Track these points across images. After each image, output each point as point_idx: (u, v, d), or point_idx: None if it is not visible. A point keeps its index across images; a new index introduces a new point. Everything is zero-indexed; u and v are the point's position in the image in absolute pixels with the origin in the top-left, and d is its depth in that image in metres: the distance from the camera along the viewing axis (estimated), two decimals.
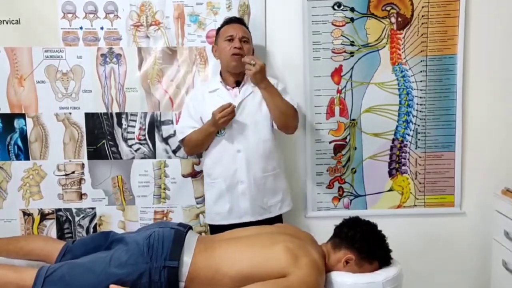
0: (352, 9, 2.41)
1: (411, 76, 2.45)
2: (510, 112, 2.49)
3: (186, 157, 2.47)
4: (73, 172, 2.49)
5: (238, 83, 2.21)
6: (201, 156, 2.43)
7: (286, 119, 2.17)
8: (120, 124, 2.46)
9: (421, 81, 2.46)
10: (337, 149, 2.51)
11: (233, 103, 2.12)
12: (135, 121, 2.46)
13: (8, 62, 2.40)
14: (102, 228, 2.50)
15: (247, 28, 2.25)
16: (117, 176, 2.49)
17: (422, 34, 2.43)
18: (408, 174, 2.53)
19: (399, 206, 2.55)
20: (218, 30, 2.24)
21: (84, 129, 2.45)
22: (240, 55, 2.13)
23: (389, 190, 2.54)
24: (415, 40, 2.43)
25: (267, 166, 2.18)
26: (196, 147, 2.26)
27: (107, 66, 2.43)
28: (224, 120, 2.06)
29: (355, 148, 2.51)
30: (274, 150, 2.22)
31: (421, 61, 2.44)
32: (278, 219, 2.25)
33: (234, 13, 2.39)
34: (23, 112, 2.44)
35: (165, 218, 2.50)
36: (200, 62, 2.43)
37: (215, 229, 2.22)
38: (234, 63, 2.15)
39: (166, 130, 2.46)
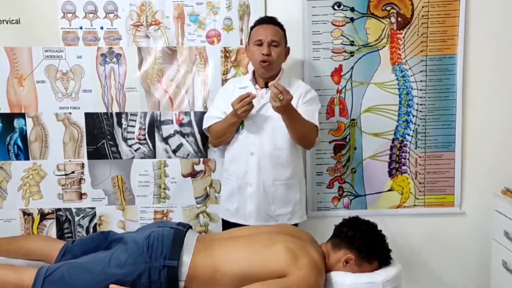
0: (352, 9, 2.41)
1: (411, 76, 2.45)
2: (510, 112, 2.49)
3: (186, 157, 2.47)
4: (73, 172, 2.49)
5: (267, 84, 2.15)
6: (206, 156, 2.44)
7: (304, 140, 2.16)
8: (120, 124, 2.46)
9: (421, 81, 2.46)
10: (337, 149, 2.51)
11: (257, 102, 2.11)
12: (135, 121, 2.46)
13: (8, 62, 2.40)
14: (102, 228, 2.50)
15: (281, 26, 2.16)
16: (117, 176, 2.49)
17: (422, 34, 2.43)
18: (408, 174, 2.53)
19: (399, 206, 2.55)
20: (251, 28, 2.19)
21: (84, 129, 2.45)
22: (268, 62, 2.09)
23: (389, 190, 2.54)
24: (415, 40, 2.43)
25: (279, 174, 2.14)
26: (219, 137, 2.21)
27: (107, 66, 2.43)
28: (243, 110, 2.02)
29: (355, 148, 2.51)
30: (290, 160, 2.16)
31: (421, 61, 2.44)
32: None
33: (234, 13, 2.40)
34: (23, 111, 2.44)
35: (165, 218, 2.50)
36: (200, 62, 2.43)
37: (226, 224, 2.24)
38: (262, 70, 2.12)
39: (166, 129, 2.46)
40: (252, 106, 2.06)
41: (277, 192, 2.16)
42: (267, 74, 2.14)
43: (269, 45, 2.09)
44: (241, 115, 2.06)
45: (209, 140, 2.34)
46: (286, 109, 1.99)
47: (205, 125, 2.28)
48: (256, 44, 2.11)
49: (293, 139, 2.13)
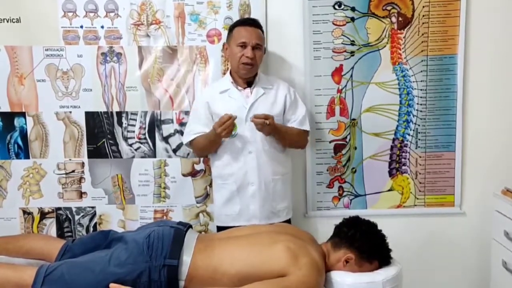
0: (353, 9, 2.41)
1: (412, 75, 2.45)
2: (510, 112, 2.49)
3: (186, 156, 2.47)
4: (73, 171, 2.49)
5: (249, 83, 2.18)
6: (206, 156, 2.44)
7: (295, 146, 2.29)
8: (120, 123, 2.46)
9: (421, 81, 2.46)
10: (337, 148, 2.51)
11: (245, 104, 2.13)
12: (135, 120, 2.46)
13: (9, 61, 2.40)
14: (102, 227, 2.50)
15: (262, 30, 2.18)
16: (117, 175, 2.49)
17: (422, 34, 2.43)
18: (408, 174, 2.53)
19: (399, 206, 2.55)
20: (231, 28, 2.18)
21: (84, 128, 2.45)
22: (251, 65, 2.11)
23: (389, 190, 2.54)
24: (415, 40, 2.43)
25: (277, 169, 2.18)
26: (204, 151, 2.28)
27: (108, 65, 2.43)
28: (225, 133, 2.03)
29: (355, 148, 2.51)
30: (284, 154, 2.24)
31: (422, 60, 2.44)
32: (287, 222, 2.24)
33: (235, 12, 2.39)
34: (23, 110, 2.44)
35: (165, 217, 2.50)
36: (201, 61, 2.43)
37: (223, 229, 2.18)
38: (244, 72, 2.13)
39: (166, 129, 2.46)
40: (234, 126, 2.04)
41: (276, 187, 2.19)
42: (248, 75, 2.15)
43: (253, 48, 2.10)
44: (223, 136, 2.06)
45: (194, 152, 2.36)
46: (275, 127, 2.09)
47: (184, 140, 2.28)
48: (239, 45, 2.10)
49: (286, 146, 2.23)
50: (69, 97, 2.44)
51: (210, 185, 2.48)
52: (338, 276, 1.79)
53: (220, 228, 2.26)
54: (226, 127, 2.01)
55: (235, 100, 2.15)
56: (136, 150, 2.48)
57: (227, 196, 2.20)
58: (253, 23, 2.16)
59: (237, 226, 2.12)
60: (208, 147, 2.21)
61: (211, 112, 2.19)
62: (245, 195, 2.16)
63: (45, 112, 2.44)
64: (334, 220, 2.00)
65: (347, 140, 2.50)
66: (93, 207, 2.51)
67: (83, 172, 2.48)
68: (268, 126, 2.04)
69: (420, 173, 2.53)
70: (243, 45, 2.10)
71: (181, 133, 2.45)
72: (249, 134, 2.14)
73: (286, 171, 2.26)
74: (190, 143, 2.26)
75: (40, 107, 2.44)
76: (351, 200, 2.55)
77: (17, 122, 2.45)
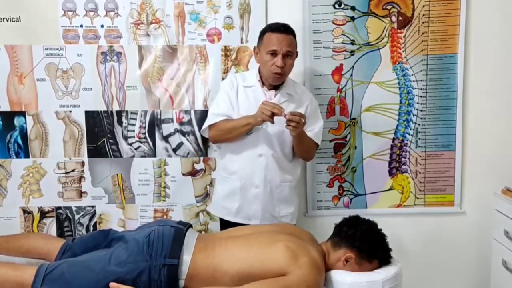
0: (353, 8, 2.41)
1: (412, 75, 2.45)
2: (510, 111, 2.49)
3: (186, 155, 2.47)
4: (73, 170, 2.48)
5: (275, 86, 2.13)
6: (206, 155, 2.44)
7: (306, 156, 2.24)
8: (120, 122, 2.46)
9: (421, 80, 2.46)
10: (337, 148, 2.51)
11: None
12: (135, 119, 2.46)
13: (8, 60, 2.40)
14: (102, 226, 2.50)
15: (294, 34, 2.09)
16: (117, 175, 2.49)
17: (422, 33, 2.43)
18: (408, 173, 2.53)
19: (399, 205, 2.55)
20: (262, 33, 2.10)
21: (84, 127, 2.45)
22: (281, 74, 2.06)
23: (389, 189, 2.54)
24: (415, 39, 2.43)
25: (285, 176, 2.16)
26: (226, 134, 2.12)
27: (108, 64, 2.43)
28: (266, 113, 1.94)
29: (355, 147, 2.51)
30: (295, 163, 2.22)
31: (422, 60, 2.44)
32: None
33: (235, 11, 2.39)
34: (23, 110, 2.44)
35: (165, 217, 2.50)
36: (201, 61, 2.43)
37: (225, 223, 2.20)
38: (274, 80, 2.09)
39: (166, 128, 2.46)
40: (272, 122, 1.98)
41: (283, 193, 2.17)
42: (277, 83, 2.12)
43: (284, 56, 2.04)
44: (260, 117, 1.98)
45: (211, 134, 2.18)
46: (302, 130, 2.04)
47: (211, 121, 2.15)
48: (269, 53, 2.05)
49: (298, 153, 2.18)
50: (69, 96, 2.44)
51: (210, 184, 2.48)
52: (338, 275, 1.79)
53: (222, 220, 2.26)
54: (274, 108, 1.94)
55: (257, 99, 2.10)
56: (136, 149, 2.47)
57: (229, 190, 2.17)
58: (284, 30, 2.06)
59: (233, 222, 2.14)
60: (234, 130, 2.09)
61: (234, 100, 2.14)
62: (247, 195, 2.14)
63: (45, 111, 2.44)
64: (334, 219, 2.00)
65: (347, 139, 2.50)
66: (93, 207, 2.51)
67: (83, 171, 2.48)
68: (302, 126, 1.99)
69: (420, 173, 2.53)
70: (274, 53, 2.04)
71: (181, 132, 2.46)
72: (263, 137, 2.11)
73: (294, 179, 2.22)
74: (213, 125, 2.16)
75: (40, 106, 2.44)
76: (351, 199, 2.55)
77: (17, 121, 2.44)
